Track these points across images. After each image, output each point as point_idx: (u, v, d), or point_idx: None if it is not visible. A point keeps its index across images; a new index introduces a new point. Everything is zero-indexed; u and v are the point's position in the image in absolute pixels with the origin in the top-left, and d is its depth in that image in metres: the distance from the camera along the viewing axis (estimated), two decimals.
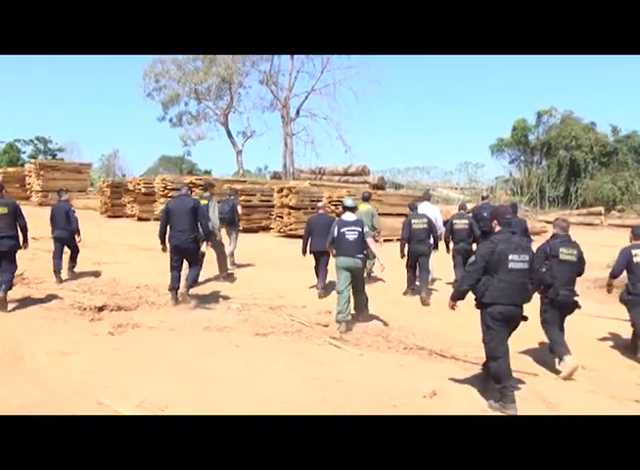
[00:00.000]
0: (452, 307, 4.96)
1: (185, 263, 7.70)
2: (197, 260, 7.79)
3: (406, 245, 8.77)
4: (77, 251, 9.36)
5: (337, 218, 7.81)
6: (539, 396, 4.89)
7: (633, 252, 6.37)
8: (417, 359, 5.91)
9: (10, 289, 7.00)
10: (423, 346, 6.36)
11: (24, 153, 44.33)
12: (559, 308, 5.92)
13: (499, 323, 4.52)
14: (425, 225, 8.66)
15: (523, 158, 36.96)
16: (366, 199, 9.75)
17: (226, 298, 8.19)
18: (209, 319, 6.78)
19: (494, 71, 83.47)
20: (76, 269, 9.40)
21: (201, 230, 7.68)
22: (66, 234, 9.07)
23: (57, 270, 8.90)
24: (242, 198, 16.56)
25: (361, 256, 7.00)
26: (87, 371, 4.72)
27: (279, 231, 15.71)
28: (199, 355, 5.26)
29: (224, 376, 4.74)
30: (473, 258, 4.74)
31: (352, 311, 7.05)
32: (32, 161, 27.30)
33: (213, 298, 8.17)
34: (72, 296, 7.75)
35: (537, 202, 31.87)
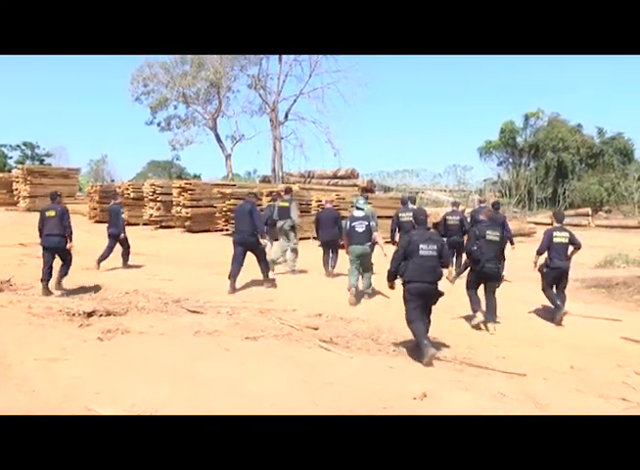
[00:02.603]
0: (391, 287, 6.34)
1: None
2: (260, 251, 9.20)
3: (397, 235, 10.33)
4: (128, 246, 10.78)
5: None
6: (528, 396, 4.91)
7: (554, 233, 7.90)
8: (407, 361, 5.93)
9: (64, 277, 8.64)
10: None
11: (11, 158, 43.97)
12: (486, 279, 7.35)
13: (413, 296, 5.99)
14: (410, 218, 9.48)
15: (511, 160, 37.12)
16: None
17: (216, 301, 8.17)
18: (199, 323, 6.75)
19: (482, 74, 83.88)
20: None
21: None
22: (117, 232, 10.49)
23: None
24: (230, 202, 16.57)
25: (369, 243, 8.65)
26: (76, 377, 4.67)
27: None
28: (189, 360, 5.23)
29: (214, 380, 4.71)
30: (396, 249, 6.24)
31: (360, 287, 8.73)
32: (20, 166, 26.96)
33: (203, 301, 8.13)
34: (61, 301, 7.69)
35: (526, 203, 32.14)
